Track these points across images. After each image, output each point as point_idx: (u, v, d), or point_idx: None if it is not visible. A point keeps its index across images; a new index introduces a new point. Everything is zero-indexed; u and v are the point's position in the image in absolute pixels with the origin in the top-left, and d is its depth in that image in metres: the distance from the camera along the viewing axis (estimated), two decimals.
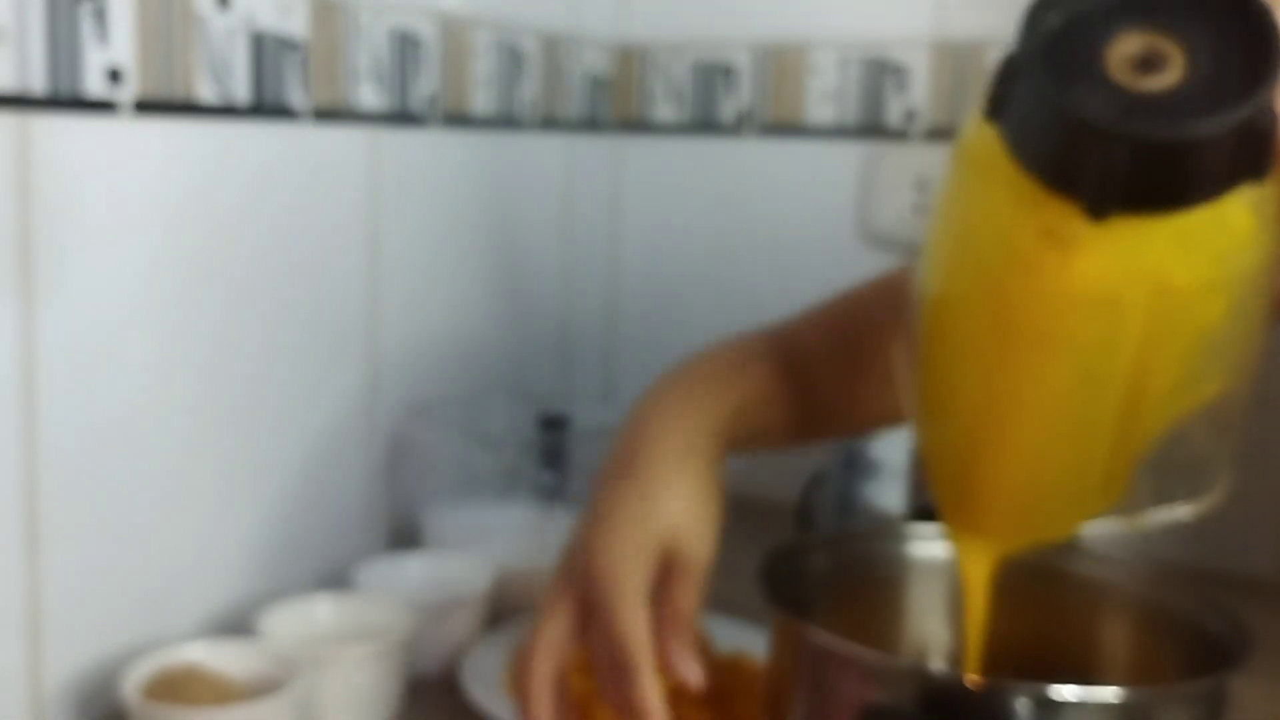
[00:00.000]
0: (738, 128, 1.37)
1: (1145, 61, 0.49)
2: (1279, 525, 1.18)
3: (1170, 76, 0.49)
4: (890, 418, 0.85)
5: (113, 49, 0.80)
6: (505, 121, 1.23)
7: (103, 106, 0.80)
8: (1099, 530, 0.63)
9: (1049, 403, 0.57)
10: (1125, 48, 0.50)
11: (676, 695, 0.84)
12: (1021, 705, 0.58)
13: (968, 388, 0.60)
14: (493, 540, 1.04)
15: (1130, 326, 0.53)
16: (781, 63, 1.33)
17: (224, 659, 0.80)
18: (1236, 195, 0.49)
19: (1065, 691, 0.58)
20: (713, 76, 1.37)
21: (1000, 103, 0.52)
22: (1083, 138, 0.49)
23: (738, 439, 0.77)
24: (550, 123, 1.31)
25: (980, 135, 0.53)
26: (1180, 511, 0.61)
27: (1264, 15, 0.49)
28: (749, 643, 0.91)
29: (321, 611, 0.90)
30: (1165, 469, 0.59)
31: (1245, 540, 1.17)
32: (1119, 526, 0.62)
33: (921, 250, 0.61)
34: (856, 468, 1.10)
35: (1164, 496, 0.60)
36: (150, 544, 0.87)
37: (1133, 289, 0.52)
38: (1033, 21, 0.51)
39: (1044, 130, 0.50)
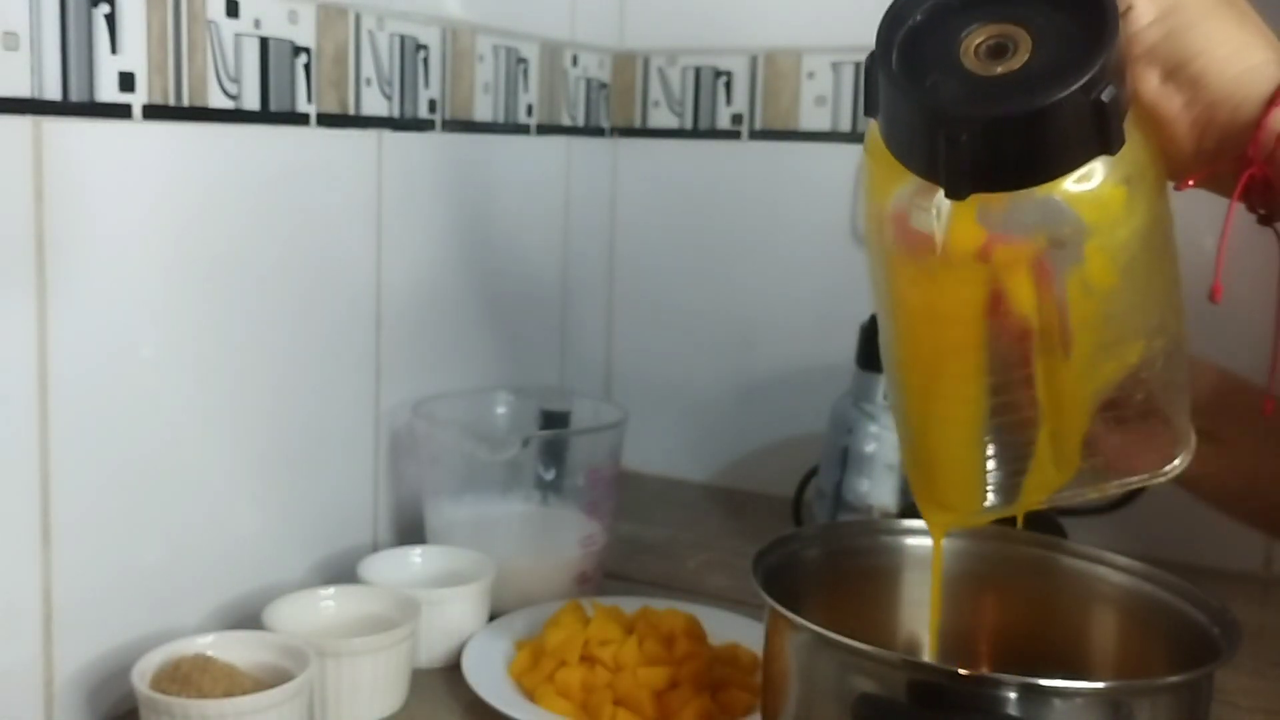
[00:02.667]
0: (734, 132, 1.38)
1: (996, 49, 0.52)
2: None
3: (1017, 60, 0.51)
4: None
5: (125, 55, 0.81)
6: (506, 126, 1.24)
7: (115, 111, 0.81)
8: (1066, 498, 0.64)
9: (965, 378, 0.59)
10: (979, 37, 0.52)
11: (672, 685, 0.86)
12: (1011, 696, 0.58)
13: (902, 374, 0.63)
14: (494, 534, 1.05)
15: (1022, 294, 0.55)
16: (776, 68, 1.35)
17: (232, 651, 0.81)
18: (1105, 169, 0.51)
19: (1054, 683, 0.59)
20: (709, 82, 1.39)
21: (870, 99, 0.54)
22: (934, 124, 0.51)
23: None
24: (550, 127, 1.32)
25: (871, 129, 0.56)
26: (1144, 479, 0.62)
27: (1105, 5, 0.51)
28: (744, 634, 0.92)
29: (327, 604, 0.91)
30: (1115, 432, 0.60)
31: (1232, 535, 1.18)
32: (1087, 494, 0.63)
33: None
34: (850, 463, 1.11)
35: (1123, 465, 0.62)
36: (160, 538, 0.88)
37: (1010, 258, 0.54)
38: (894, 18, 0.54)
39: (903, 121, 0.53)
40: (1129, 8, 0.54)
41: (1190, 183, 0.56)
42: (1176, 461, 0.62)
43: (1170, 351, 0.59)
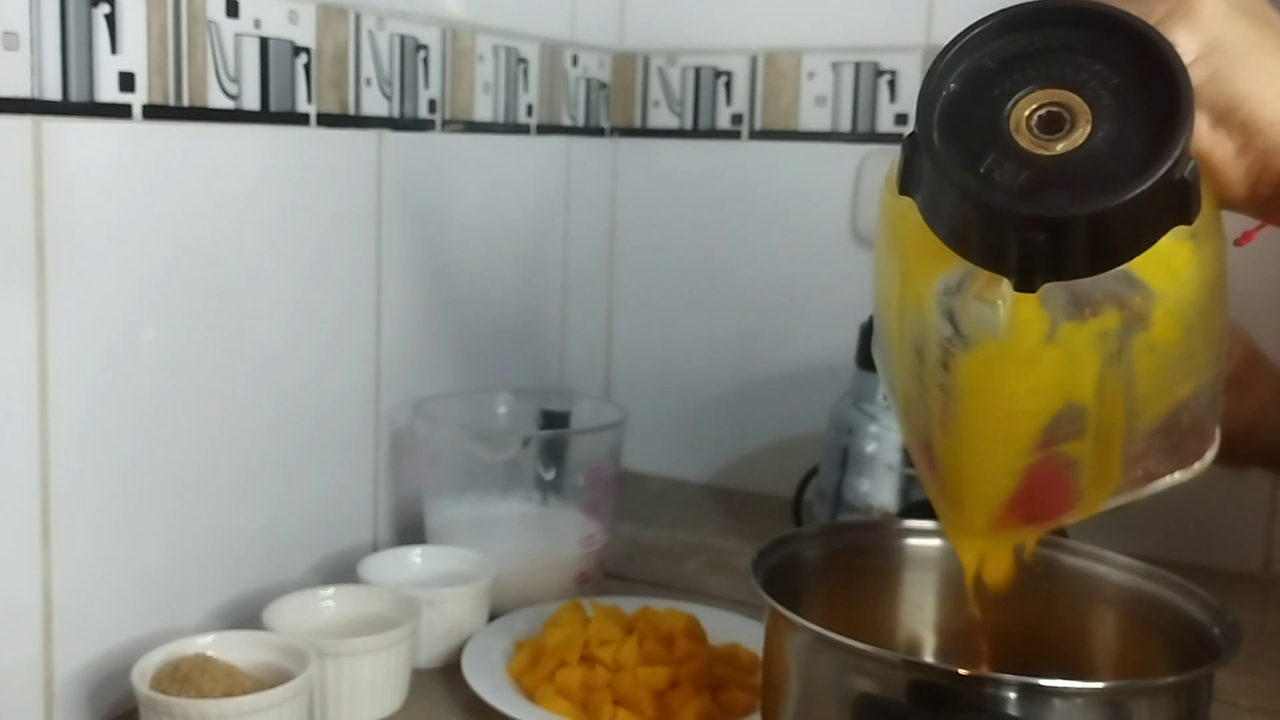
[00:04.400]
0: (734, 132, 1.38)
1: (1051, 120, 0.47)
2: (1266, 520, 1.19)
3: (1078, 136, 0.46)
4: None
5: (125, 55, 0.81)
6: (507, 125, 1.24)
7: (115, 111, 0.81)
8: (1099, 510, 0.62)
9: (1014, 441, 0.56)
10: (1028, 107, 0.47)
11: (672, 685, 0.86)
12: (1011, 696, 0.58)
13: (946, 453, 0.60)
14: (494, 534, 1.05)
15: (1086, 370, 0.52)
16: (776, 68, 1.35)
17: (232, 651, 0.81)
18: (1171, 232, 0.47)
19: (1054, 683, 0.59)
20: (709, 82, 1.39)
21: (911, 180, 0.49)
22: (998, 220, 0.47)
23: None
24: (550, 127, 1.32)
25: (900, 204, 0.51)
26: (1176, 478, 0.60)
27: (1165, 54, 0.47)
28: (744, 634, 0.92)
29: (327, 604, 0.91)
30: (1155, 449, 0.59)
31: (1232, 535, 1.19)
32: (1118, 503, 0.62)
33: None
34: (850, 463, 1.11)
35: (1157, 472, 0.60)
36: (159, 538, 0.88)
37: (1079, 340, 0.51)
38: (931, 91, 0.49)
39: (959, 212, 0.48)
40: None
41: (1253, 237, 0.54)
42: (1206, 457, 0.60)
43: (1218, 376, 0.57)
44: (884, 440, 1.09)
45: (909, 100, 1.29)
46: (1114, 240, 0.46)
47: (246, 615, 0.93)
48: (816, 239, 1.35)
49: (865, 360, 1.12)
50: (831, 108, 1.33)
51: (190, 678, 0.77)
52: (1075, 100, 0.47)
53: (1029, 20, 0.49)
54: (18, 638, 0.79)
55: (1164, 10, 0.50)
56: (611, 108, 1.44)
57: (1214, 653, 0.65)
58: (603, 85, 1.42)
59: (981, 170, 0.47)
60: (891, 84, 1.29)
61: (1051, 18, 0.49)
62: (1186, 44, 0.50)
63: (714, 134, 1.39)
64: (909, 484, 1.07)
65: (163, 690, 0.76)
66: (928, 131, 0.48)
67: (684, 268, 1.43)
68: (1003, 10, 0.49)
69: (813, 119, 1.34)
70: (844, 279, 1.32)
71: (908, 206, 0.50)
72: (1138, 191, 0.45)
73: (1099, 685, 0.65)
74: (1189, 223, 0.47)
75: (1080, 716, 0.60)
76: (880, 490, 1.10)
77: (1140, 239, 0.47)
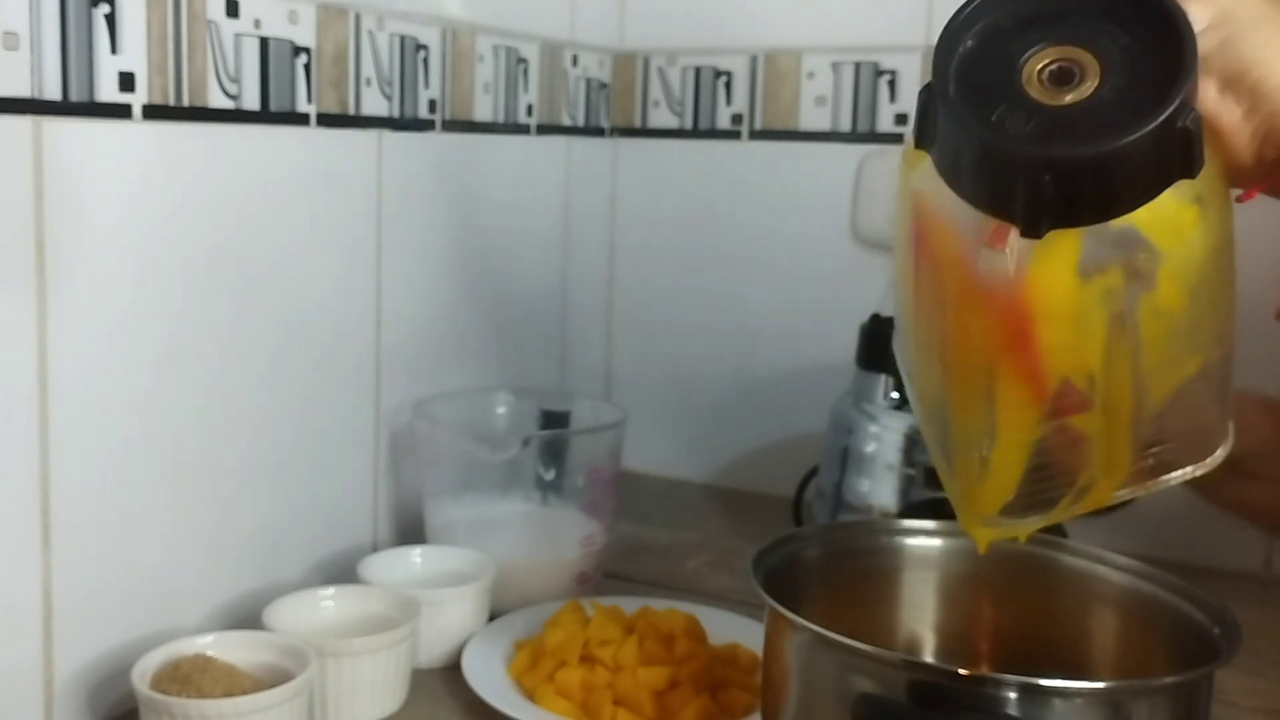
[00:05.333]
0: (734, 132, 1.38)
1: (1061, 74, 0.49)
2: None
3: (1086, 88, 0.48)
4: None
5: (125, 55, 0.82)
6: (506, 126, 1.24)
7: (115, 111, 0.81)
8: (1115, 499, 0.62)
9: (1022, 405, 0.56)
10: (1040, 62, 0.49)
11: (672, 685, 0.86)
12: (1011, 696, 0.58)
13: (959, 429, 0.60)
14: (493, 534, 1.05)
15: (1094, 332, 0.53)
16: (776, 68, 1.35)
17: (232, 651, 0.81)
18: (1177, 190, 0.49)
19: (1054, 683, 0.59)
20: (709, 82, 1.39)
21: (926, 131, 0.51)
22: (1006, 164, 0.49)
23: None
24: (550, 127, 1.32)
25: (918, 159, 0.53)
26: (1188, 472, 0.60)
27: (1174, 15, 0.49)
28: (744, 634, 0.92)
29: (327, 604, 0.91)
30: (1166, 436, 0.59)
31: (1232, 535, 1.19)
32: (1134, 495, 0.62)
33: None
34: (850, 463, 1.11)
35: (1168, 463, 0.60)
36: (159, 538, 0.88)
37: (1085, 299, 0.52)
38: (947, 45, 0.51)
39: (970, 158, 0.50)
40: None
41: (1254, 194, 0.55)
42: (1218, 453, 0.60)
43: (1225, 357, 0.58)
44: (884, 440, 1.09)
45: (909, 100, 1.29)
46: (1119, 185, 0.48)
47: (246, 615, 0.93)
48: (816, 239, 1.35)
49: (865, 360, 1.12)
50: (831, 108, 1.33)
51: (190, 678, 0.77)
52: (1085, 56, 0.49)
53: None
54: (18, 638, 0.79)
55: None
56: (611, 108, 1.44)
57: (1214, 653, 0.65)
58: (603, 85, 1.42)
59: (993, 119, 0.48)
60: (891, 84, 1.29)
61: None
62: (1200, 13, 0.51)
63: (714, 134, 1.39)
64: (909, 484, 1.07)
65: (163, 690, 0.76)
66: (943, 81, 0.50)
67: (684, 268, 1.43)
68: None
69: (813, 119, 1.34)
70: (844, 279, 1.32)
71: (923, 176, 0.52)
72: (1140, 134, 0.46)
73: (1099, 685, 0.65)
74: (1192, 175, 0.48)
75: (1080, 717, 0.60)
76: (880, 490, 1.10)
77: (1145, 187, 0.48)
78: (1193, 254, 0.52)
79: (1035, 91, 0.49)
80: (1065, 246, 0.50)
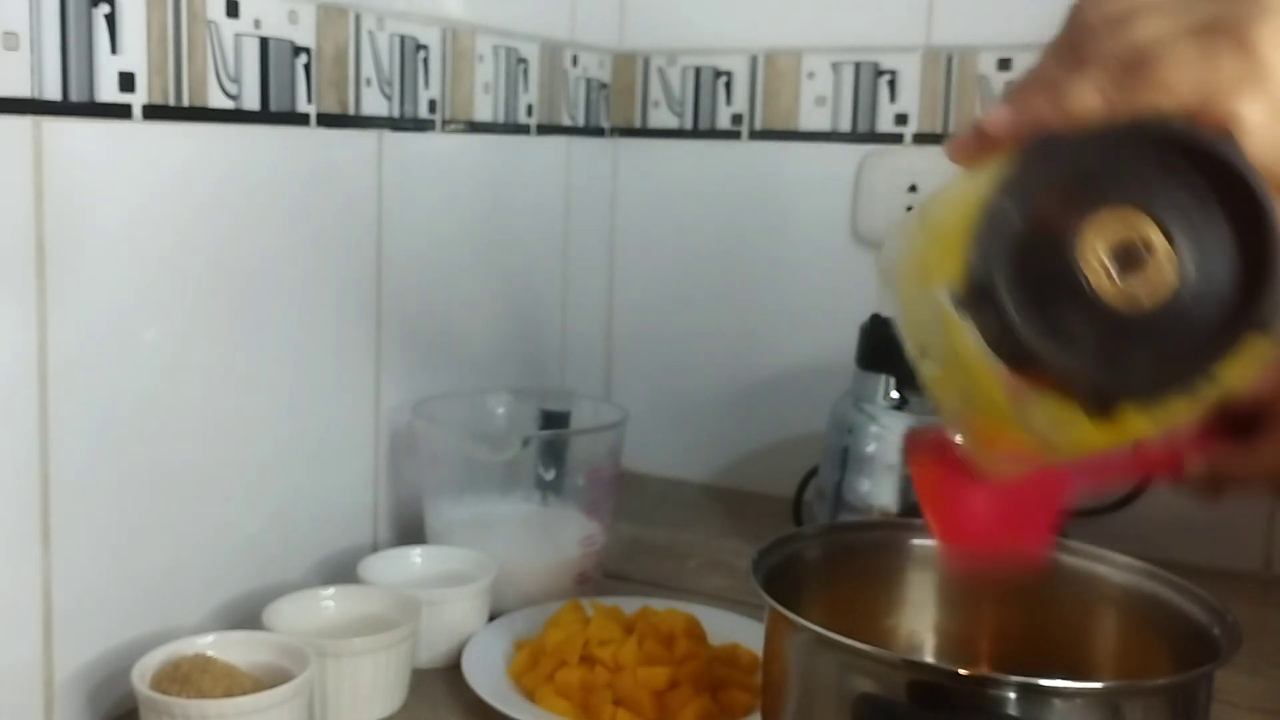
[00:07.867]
0: (734, 132, 1.38)
1: (1124, 254, 0.43)
2: (1266, 520, 1.19)
3: (1153, 276, 0.43)
4: None
5: (125, 55, 0.81)
6: (507, 126, 1.24)
7: (115, 111, 0.81)
8: None
9: None
10: (1098, 239, 0.43)
11: (672, 685, 0.86)
12: (1010, 696, 0.58)
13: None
14: (494, 534, 1.05)
15: None
16: (776, 68, 1.35)
17: (232, 651, 0.81)
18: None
19: (1054, 683, 0.59)
20: (709, 82, 1.39)
21: (975, 305, 0.44)
22: (1093, 393, 0.44)
23: None
24: (550, 127, 1.32)
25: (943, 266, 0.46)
26: None
27: (1252, 186, 0.43)
28: (744, 634, 0.92)
29: (327, 604, 0.91)
30: None
31: (1232, 535, 1.19)
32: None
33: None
34: (850, 463, 1.11)
35: None
36: (159, 538, 0.88)
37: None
38: (994, 220, 0.44)
39: (1030, 353, 0.44)
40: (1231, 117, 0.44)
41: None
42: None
43: None
44: (884, 440, 1.09)
45: (909, 100, 1.29)
46: (1190, 377, 0.44)
47: (246, 615, 0.93)
48: (816, 239, 1.35)
49: (865, 360, 1.13)
50: (831, 108, 1.33)
51: (190, 678, 0.77)
52: (1144, 222, 0.43)
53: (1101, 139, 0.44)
54: (18, 638, 0.79)
55: (1230, 74, 0.44)
56: (611, 108, 1.44)
57: (1214, 653, 0.65)
58: (603, 85, 1.42)
59: (1056, 330, 0.43)
60: (891, 84, 1.29)
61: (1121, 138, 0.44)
62: (1256, 116, 0.44)
63: (714, 134, 1.39)
64: (909, 484, 1.07)
65: (163, 690, 0.76)
66: (997, 270, 0.43)
67: (684, 268, 1.43)
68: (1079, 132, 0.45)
69: (813, 119, 1.34)
70: (844, 279, 1.32)
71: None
72: (1229, 349, 0.43)
73: (1098, 685, 0.65)
74: (1267, 334, 0.44)
75: (1080, 717, 0.60)
76: (880, 490, 1.10)
77: (1217, 369, 0.44)
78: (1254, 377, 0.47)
79: (1100, 284, 0.43)
80: None
